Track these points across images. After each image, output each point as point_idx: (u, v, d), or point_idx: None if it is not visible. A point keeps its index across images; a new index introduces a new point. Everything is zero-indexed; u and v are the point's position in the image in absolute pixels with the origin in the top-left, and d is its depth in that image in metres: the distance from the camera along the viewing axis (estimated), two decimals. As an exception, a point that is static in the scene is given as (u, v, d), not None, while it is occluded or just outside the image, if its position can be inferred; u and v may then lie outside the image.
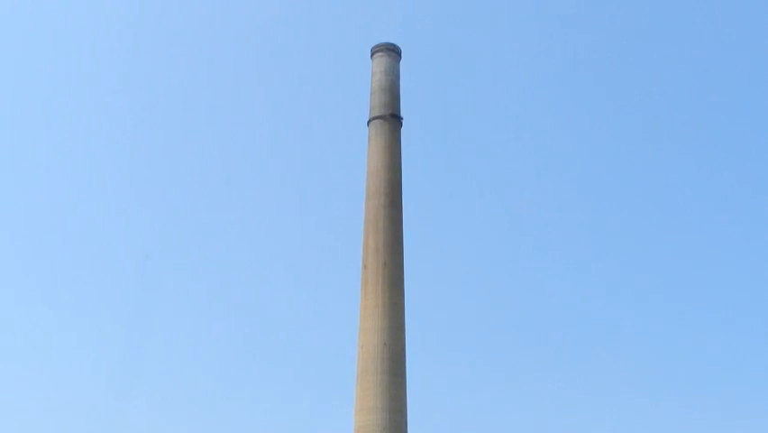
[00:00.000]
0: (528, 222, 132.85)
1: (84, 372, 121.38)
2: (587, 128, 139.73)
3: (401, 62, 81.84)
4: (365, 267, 72.47)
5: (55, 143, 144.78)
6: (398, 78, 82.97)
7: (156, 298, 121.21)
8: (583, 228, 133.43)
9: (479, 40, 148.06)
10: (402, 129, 78.87)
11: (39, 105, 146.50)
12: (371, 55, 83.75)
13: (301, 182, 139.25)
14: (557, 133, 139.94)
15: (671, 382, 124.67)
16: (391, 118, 77.86)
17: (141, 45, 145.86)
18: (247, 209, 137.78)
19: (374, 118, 79.12)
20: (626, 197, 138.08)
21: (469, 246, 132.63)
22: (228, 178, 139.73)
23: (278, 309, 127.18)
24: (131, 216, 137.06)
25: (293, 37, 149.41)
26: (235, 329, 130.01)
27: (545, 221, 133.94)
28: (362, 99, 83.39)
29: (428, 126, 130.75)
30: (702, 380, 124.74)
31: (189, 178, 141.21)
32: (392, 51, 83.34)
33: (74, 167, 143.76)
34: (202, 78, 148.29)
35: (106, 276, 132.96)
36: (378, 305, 69.19)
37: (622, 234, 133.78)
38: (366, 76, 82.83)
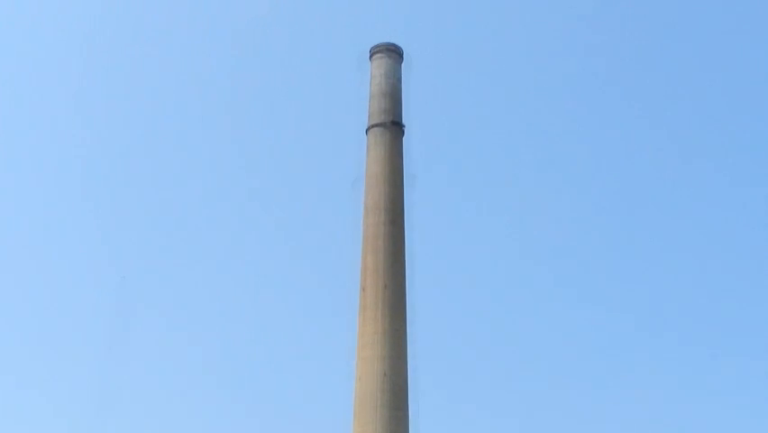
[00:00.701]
0: (542, 241, 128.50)
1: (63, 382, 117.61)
2: (600, 137, 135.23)
3: (403, 64, 79.68)
4: (363, 290, 69.04)
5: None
6: (400, 82, 78.19)
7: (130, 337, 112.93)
8: (599, 249, 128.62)
9: (485, 40, 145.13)
10: (404, 138, 76.36)
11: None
12: (370, 56, 79.30)
13: (293, 195, 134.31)
14: (570, 143, 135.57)
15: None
16: (392, 126, 75.10)
17: (126, 58, 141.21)
18: (232, 223, 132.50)
19: (373, 126, 75.75)
20: (639, 206, 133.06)
21: (477, 267, 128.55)
22: (213, 192, 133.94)
23: (267, 335, 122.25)
24: (112, 228, 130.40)
25: (285, 38, 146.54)
26: (220, 360, 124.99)
27: (559, 240, 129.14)
28: (360, 105, 79.55)
29: (432, 135, 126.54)
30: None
31: (176, 191, 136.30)
32: (393, 53, 78.66)
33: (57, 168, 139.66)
34: (188, 80, 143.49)
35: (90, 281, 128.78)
36: (377, 332, 66.30)
37: (636, 255, 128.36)
38: (364, 79, 79.59)
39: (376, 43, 79.91)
